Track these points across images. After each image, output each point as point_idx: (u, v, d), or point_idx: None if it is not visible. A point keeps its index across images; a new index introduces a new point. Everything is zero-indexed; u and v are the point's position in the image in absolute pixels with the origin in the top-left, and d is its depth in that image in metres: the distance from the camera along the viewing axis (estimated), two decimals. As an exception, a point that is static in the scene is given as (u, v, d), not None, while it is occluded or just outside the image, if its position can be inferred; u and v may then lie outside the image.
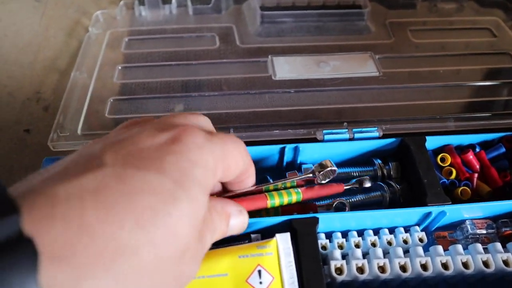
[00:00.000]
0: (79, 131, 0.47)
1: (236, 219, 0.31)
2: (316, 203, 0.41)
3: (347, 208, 0.42)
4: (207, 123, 0.30)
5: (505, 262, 0.38)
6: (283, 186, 0.36)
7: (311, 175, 0.36)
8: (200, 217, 0.24)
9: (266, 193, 0.35)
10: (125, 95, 0.51)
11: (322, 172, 0.36)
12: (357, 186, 0.40)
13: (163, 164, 0.23)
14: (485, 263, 0.38)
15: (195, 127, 0.26)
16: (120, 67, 0.55)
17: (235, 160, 0.28)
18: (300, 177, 0.36)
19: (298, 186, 0.37)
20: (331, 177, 0.37)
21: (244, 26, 0.60)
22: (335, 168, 0.36)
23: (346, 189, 0.40)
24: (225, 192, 0.33)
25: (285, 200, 0.35)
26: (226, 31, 0.60)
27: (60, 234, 0.18)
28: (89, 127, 0.47)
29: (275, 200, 0.34)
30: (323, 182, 0.36)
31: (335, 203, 0.40)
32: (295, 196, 0.35)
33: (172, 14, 0.62)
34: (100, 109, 0.50)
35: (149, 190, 0.21)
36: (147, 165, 0.22)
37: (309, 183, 0.37)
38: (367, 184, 0.40)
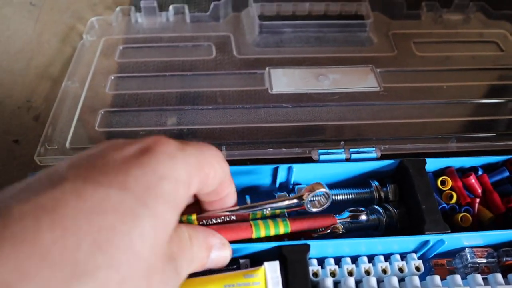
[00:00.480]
0: (67, 145, 0.45)
1: (218, 252, 0.29)
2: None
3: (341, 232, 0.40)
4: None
5: (505, 295, 0.37)
6: (271, 211, 0.34)
7: (295, 200, 0.34)
8: (167, 236, 0.23)
9: (251, 222, 0.33)
10: (117, 106, 0.50)
11: (311, 200, 0.33)
12: (351, 220, 0.38)
13: (126, 178, 0.21)
14: (485, 296, 0.37)
15: (167, 138, 0.24)
16: (113, 77, 0.53)
17: (213, 169, 0.26)
18: (284, 205, 0.34)
19: (288, 211, 0.35)
20: (325, 205, 0.35)
21: (242, 36, 0.58)
22: (327, 192, 0.34)
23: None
24: (204, 212, 0.32)
25: (272, 231, 0.33)
26: (224, 40, 0.58)
27: (9, 258, 0.17)
28: (78, 141, 0.46)
29: (260, 232, 0.32)
30: (314, 210, 0.34)
31: (328, 231, 0.37)
32: (282, 228, 0.33)
33: (169, 21, 0.61)
34: (90, 121, 0.48)
35: (108, 208, 0.20)
36: (110, 180, 0.21)
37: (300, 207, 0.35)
38: (363, 217, 0.39)
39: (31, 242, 0.18)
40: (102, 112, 0.49)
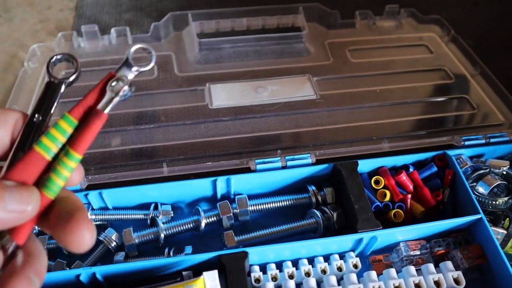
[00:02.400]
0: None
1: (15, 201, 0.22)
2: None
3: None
4: None
5: (437, 283, 0.39)
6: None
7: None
8: None
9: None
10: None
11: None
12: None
13: None
14: (418, 286, 0.39)
15: None
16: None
17: None
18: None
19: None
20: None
21: (183, 54, 0.60)
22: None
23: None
24: None
25: (59, 179, 0.23)
26: (165, 60, 0.59)
27: None
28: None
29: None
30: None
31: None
32: (68, 161, 0.23)
33: (112, 44, 0.62)
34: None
35: None
36: None
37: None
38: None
39: None
40: (45, 138, 0.49)
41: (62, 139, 0.24)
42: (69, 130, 0.24)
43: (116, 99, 0.24)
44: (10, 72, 0.60)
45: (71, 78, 0.26)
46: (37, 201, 0.23)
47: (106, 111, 0.24)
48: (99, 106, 0.24)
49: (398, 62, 0.61)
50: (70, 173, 0.24)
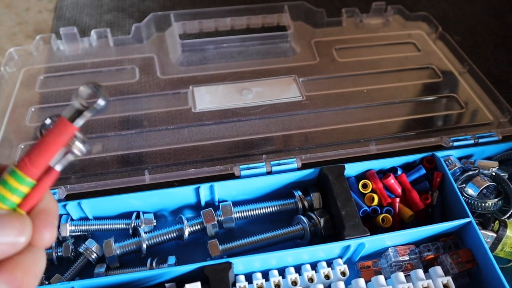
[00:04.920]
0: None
1: None
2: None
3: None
4: None
5: (426, 290, 0.38)
6: None
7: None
8: None
9: None
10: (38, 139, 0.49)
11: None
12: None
13: None
14: (407, 293, 0.38)
15: None
16: (33, 109, 0.52)
17: None
18: None
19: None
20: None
21: (165, 56, 0.58)
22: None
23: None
24: None
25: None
26: (147, 62, 0.58)
27: None
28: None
29: None
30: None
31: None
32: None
33: (92, 46, 0.60)
34: (11, 156, 0.47)
35: None
36: None
37: None
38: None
39: None
40: (23, 146, 0.48)
41: (15, 199, 0.20)
42: (25, 190, 0.21)
43: (71, 157, 0.21)
44: (-13, 77, 0.58)
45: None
46: (30, 231, 0.20)
47: (59, 168, 0.21)
48: (52, 162, 0.21)
49: (386, 60, 0.60)
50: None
